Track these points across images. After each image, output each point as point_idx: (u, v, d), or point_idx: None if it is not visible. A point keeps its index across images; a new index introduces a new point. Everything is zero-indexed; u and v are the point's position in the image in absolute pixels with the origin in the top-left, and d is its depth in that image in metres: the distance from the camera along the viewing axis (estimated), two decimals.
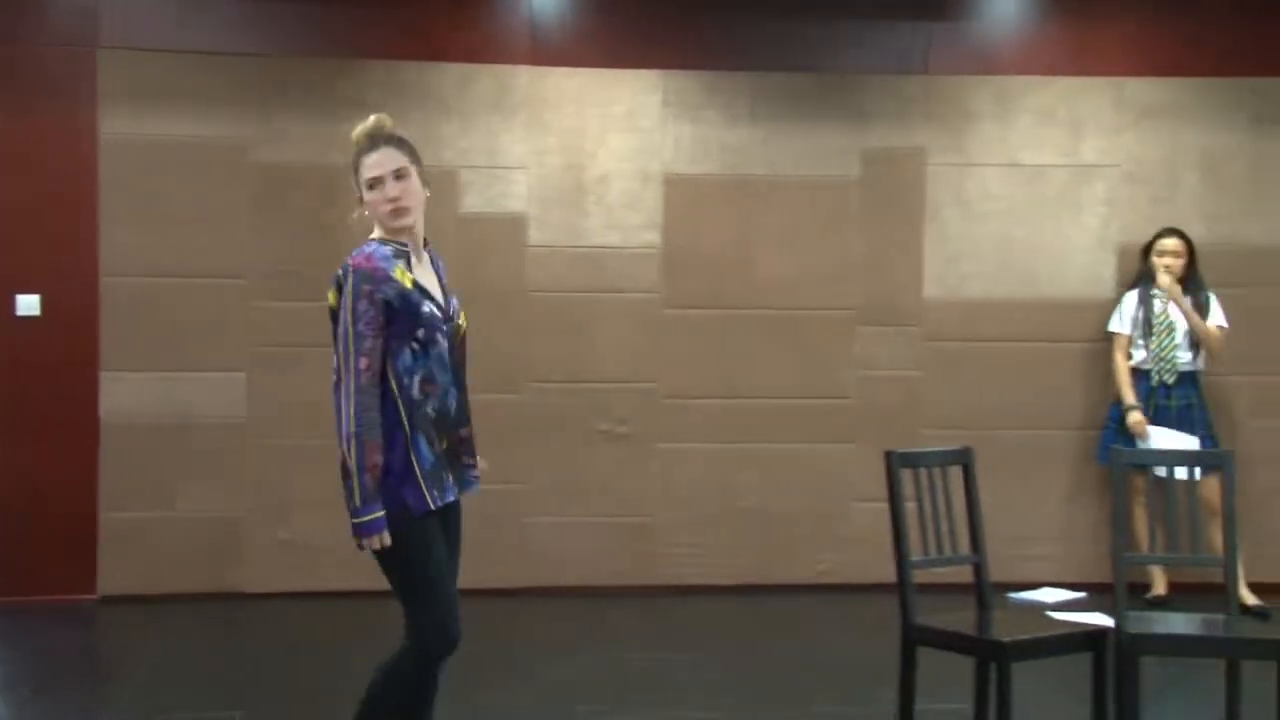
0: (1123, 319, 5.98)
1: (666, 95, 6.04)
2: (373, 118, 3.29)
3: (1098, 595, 5.84)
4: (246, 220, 5.88)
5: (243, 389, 5.89)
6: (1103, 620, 4.93)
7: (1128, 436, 5.84)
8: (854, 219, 6.14)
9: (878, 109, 6.13)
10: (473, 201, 6.02)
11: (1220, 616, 3.97)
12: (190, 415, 5.87)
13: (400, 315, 3.12)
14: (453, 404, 3.23)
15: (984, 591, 3.98)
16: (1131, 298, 5.96)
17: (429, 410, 3.16)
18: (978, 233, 6.18)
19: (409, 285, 3.15)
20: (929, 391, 6.15)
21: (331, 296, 3.18)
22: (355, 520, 3.08)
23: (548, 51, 6.03)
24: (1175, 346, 5.85)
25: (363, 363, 3.07)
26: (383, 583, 3.25)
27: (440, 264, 3.33)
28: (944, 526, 3.97)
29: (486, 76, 6.01)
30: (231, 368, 5.89)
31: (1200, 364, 5.91)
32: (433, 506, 3.15)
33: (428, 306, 3.17)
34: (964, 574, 4.11)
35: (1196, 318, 5.83)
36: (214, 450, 5.88)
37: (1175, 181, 6.19)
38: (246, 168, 5.87)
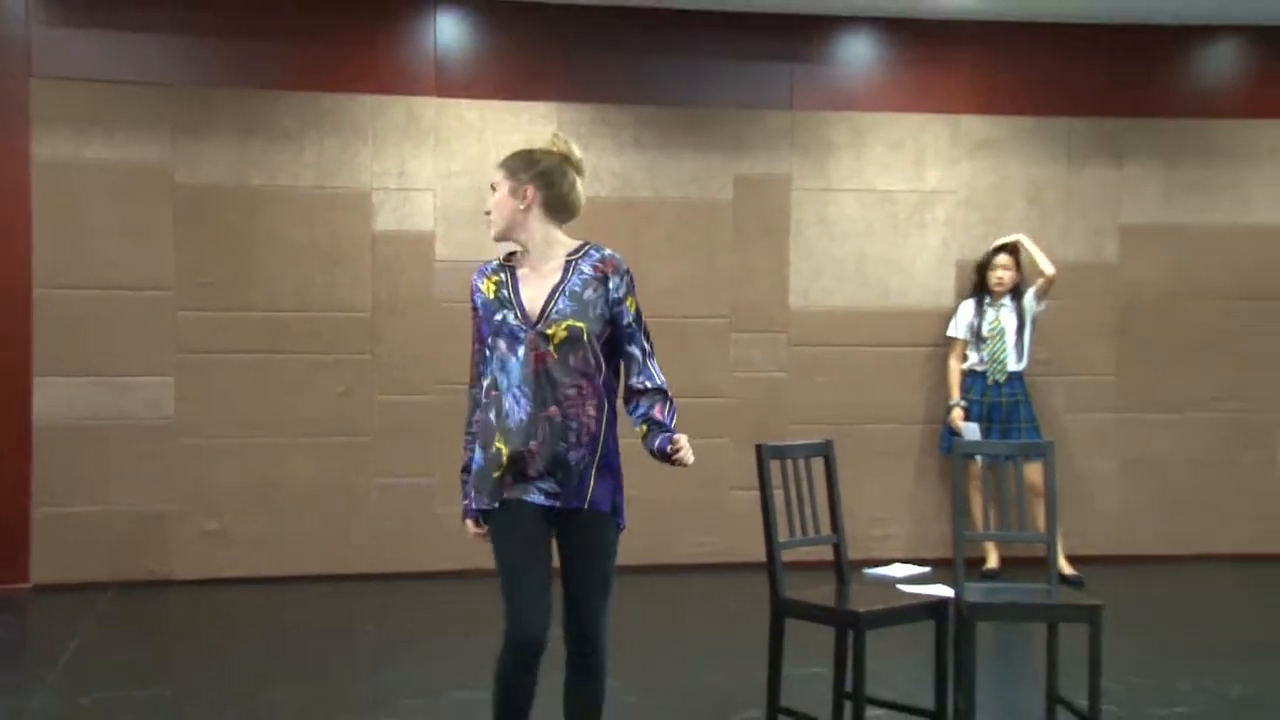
0: (958, 325, 6.24)
1: (560, 125, 6.08)
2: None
3: (940, 569, 6.06)
4: (171, 236, 5.86)
5: (170, 392, 5.89)
6: (944, 591, 4.84)
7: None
8: (728, 237, 6.26)
9: (749, 140, 6.28)
10: (386, 220, 6.07)
11: (1043, 586, 4.16)
12: (120, 417, 5.84)
13: (483, 322, 3.08)
14: (518, 413, 3.02)
15: (842, 568, 4.04)
16: (968, 307, 6.23)
17: (490, 416, 3.04)
18: (837, 250, 6.38)
19: (490, 295, 3.07)
20: (795, 391, 6.33)
21: None
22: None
23: (452, 84, 6.07)
24: (1005, 350, 6.13)
25: (470, 367, 3.14)
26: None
27: (584, 269, 3.09)
28: (808, 511, 4.02)
29: (397, 107, 6.05)
30: (159, 373, 5.88)
31: (1025, 365, 6.21)
32: (474, 507, 3.07)
33: (501, 314, 3.04)
34: (825, 553, 4.19)
35: (1041, 256, 6.05)
36: (143, 449, 5.85)
37: (1004, 206, 6.48)
38: (171, 188, 5.87)
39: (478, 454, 3.02)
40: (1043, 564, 4.30)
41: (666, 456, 3.07)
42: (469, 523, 3.07)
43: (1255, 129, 6.65)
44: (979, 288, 6.23)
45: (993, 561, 6.25)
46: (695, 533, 6.28)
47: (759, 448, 3.89)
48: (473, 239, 6.13)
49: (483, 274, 3.09)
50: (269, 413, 5.97)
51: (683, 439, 3.08)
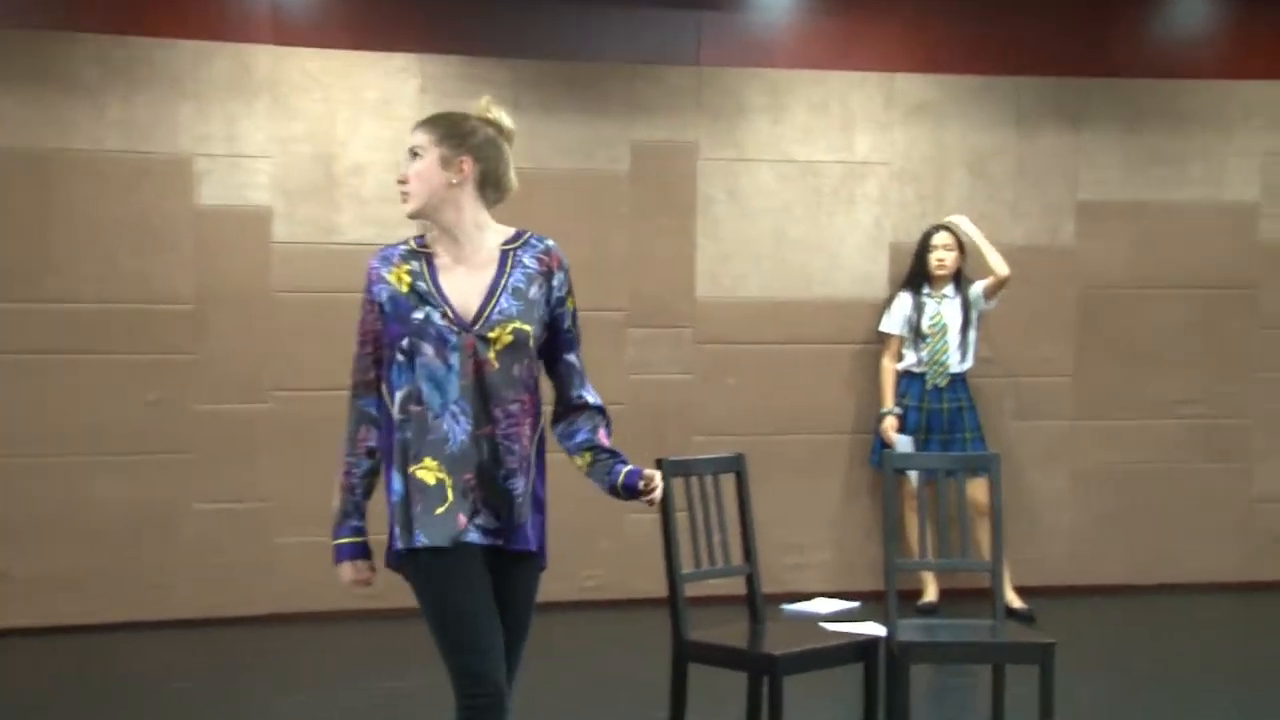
0: (893, 320, 6.19)
1: (424, 81, 5.99)
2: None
3: (870, 603, 6.01)
4: None
5: None
6: (875, 630, 5.07)
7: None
8: (623, 215, 6.20)
9: (647, 100, 6.21)
10: (211, 193, 5.84)
11: (988, 621, 4.17)
12: None
13: (390, 320, 2.93)
14: (458, 434, 2.91)
15: (756, 604, 4.07)
16: (904, 298, 6.18)
17: (410, 436, 2.91)
18: (751, 230, 6.33)
19: (402, 287, 2.94)
20: (702, 397, 6.27)
21: None
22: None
23: (291, 30, 5.90)
24: (947, 349, 6.09)
25: (354, 372, 2.99)
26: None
27: (526, 261, 3.03)
28: (716, 537, 4.04)
29: (224, 56, 5.84)
30: None
31: (969, 365, 6.18)
32: (399, 546, 2.91)
33: (423, 312, 2.92)
34: (737, 586, 4.19)
35: (990, 251, 6.01)
36: None
37: (944, 179, 6.46)
38: None
39: (395, 482, 2.91)
40: (987, 596, 4.30)
41: (634, 493, 3.04)
42: (347, 565, 2.99)
43: (1231, 91, 6.70)
44: (917, 275, 6.20)
45: (930, 594, 6.24)
46: (583, 564, 6.19)
47: (659, 463, 3.93)
48: (319, 217, 5.95)
49: (387, 261, 2.97)
50: (65, 426, 5.72)
51: (656, 474, 3.06)
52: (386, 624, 5.81)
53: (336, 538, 3.01)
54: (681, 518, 3.99)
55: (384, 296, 2.93)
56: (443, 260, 2.97)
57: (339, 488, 2.99)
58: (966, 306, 6.12)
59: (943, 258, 6.10)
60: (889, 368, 6.15)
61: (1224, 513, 6.68)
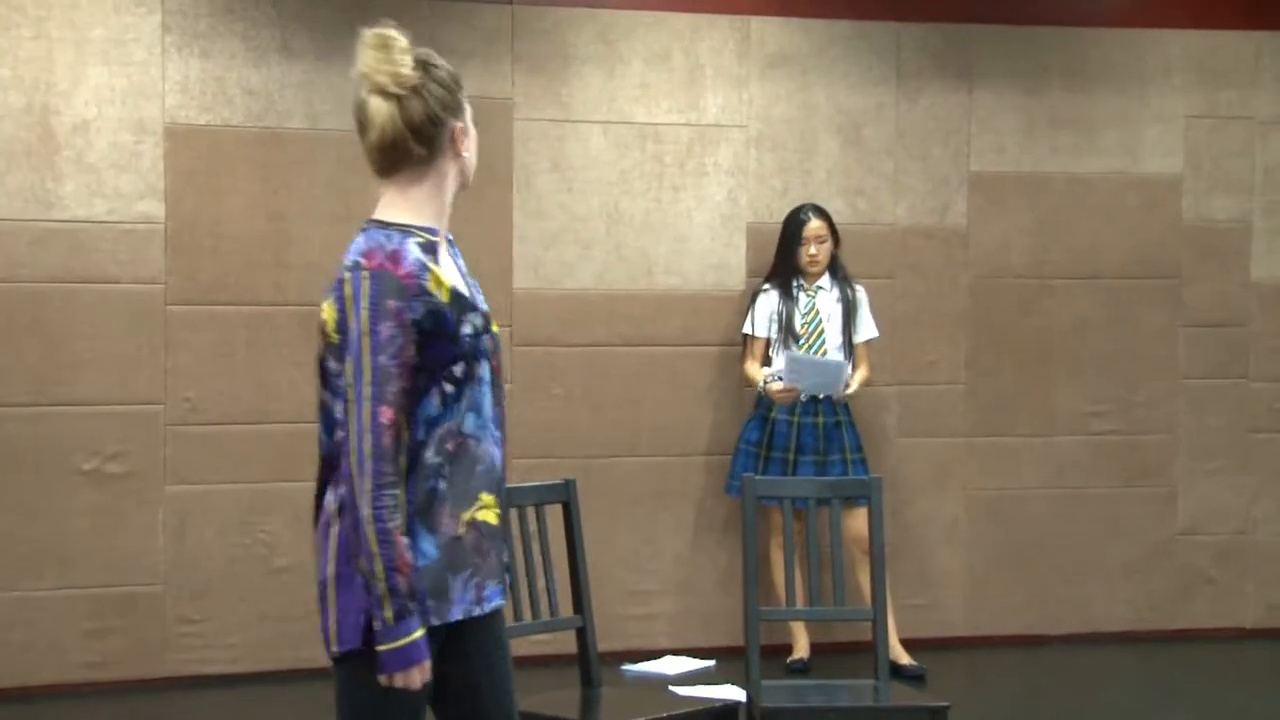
0: (757, 319, 6.24)
1: (166, 19, 5.91)
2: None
3: (729, 661, 6.06)
4: None
5: None
6: (733, 693, 5.17)
7: (765, 461, 6.11)
8: None
9: (450, 47, 6.05)
10: None
11: (869, 682, 4.24)
12: None
13: (431, 342, 2.76)
14: (498, 457, 2.89)
15: (590, 664, 4.12)
16: (770, 294, 6.24)
17: (445, 478, 2.80)
18: (580, 207, 6.35)
19: (445, 297, 2.79)
20: (521, 409, 6.23)
21: (328, 311, 2.81)
22: (389, 645, 2.72)
23: None
24: (826, 350, 6.17)
25: (385, 415, 2.71)
26: None
27: (456, 250, 2.99)
28: (540, 583, 4.09)
29: None
30: None
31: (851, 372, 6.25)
32: (434, 620, 2.79)
33: (470, 323, 2.82)
34: (567, 642, 4.21)
35: (862, 376, 6.18)
36: None
37: (812, 147, 6.54)
38: None
39: (424, 543, 2.77)
40: (869, 650, 4.35)
41: None
42: (424, 665, 2.75)
43: (1149, 42, 6.89)
44: (783, 267, 6.24)
45: (801, 649, 6.29)
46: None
47: None
48: (33, 186, 5.80)
49: (420, 264, 2.78)
50: None
51: None
52: (134, 698, 5.69)
53: (408, 632, 2.73)
54: None
55: (422, 313, 2.77)
56: (441, 252, 2.89)
57: (396, 567, 2.71)
58: (848, 299, 6.21)
59: (815, 252, 6.18)
60: (752, 371, 6.20)
61: (1143, 548, 6.85)
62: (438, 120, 2.81)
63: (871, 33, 6.59)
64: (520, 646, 3.94)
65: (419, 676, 2.75)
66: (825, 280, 6.23)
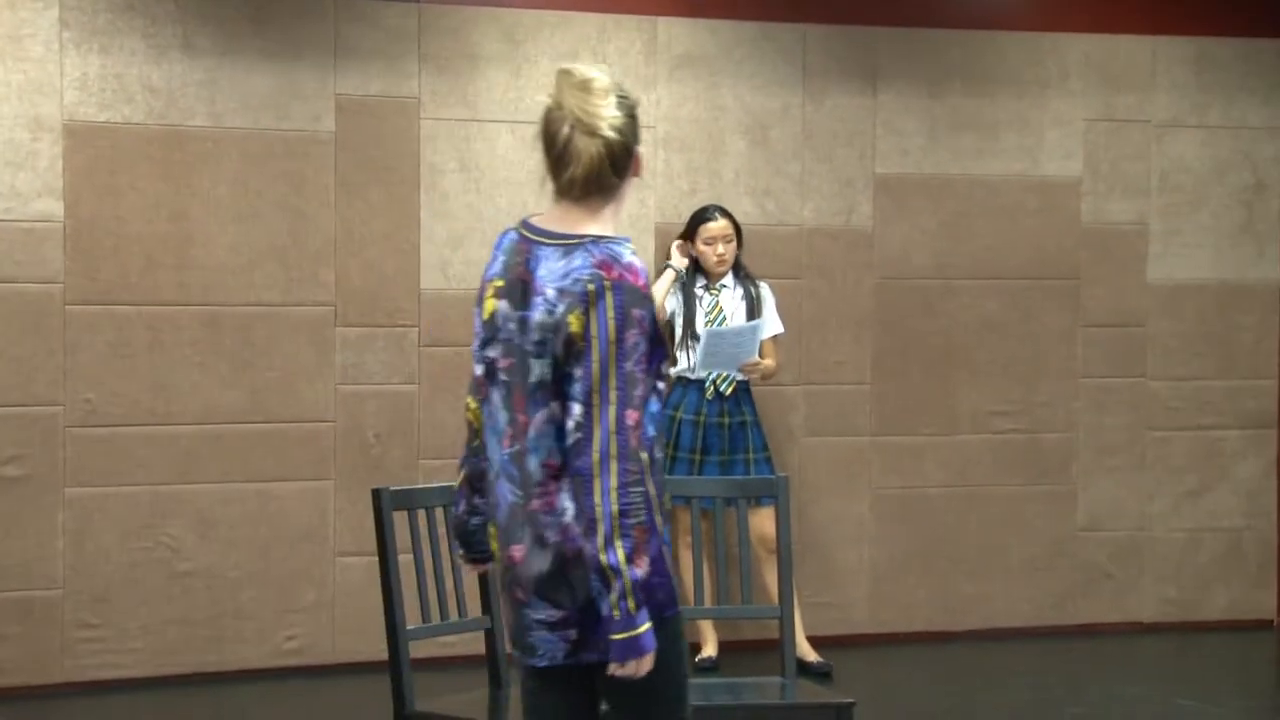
0: (657, 295, 6.17)
1: (64, 14, 5.80)
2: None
3: None
4: None
5: None
6: None
7: (671, 460, 6.07)
8: (328, 188, 6.13)
9: (356, 45, 6.13)
10: None
11: (776, 679, 4.23)
12: None
13: (653, 347, 2.99)
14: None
15: (498, 665, 4.07)
16: (674, 292, 6.20)
17: (656, 478, 3.01)
18: (488, 207, 6.30)
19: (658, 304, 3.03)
20: (430, 411, 6.22)
21: (575, 320, 2.92)
22: (625, 634, 2.89)
23: None
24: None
25: (631, 417, 2.90)
26: None
27: None
28: (449, 584, 4.03)
29: None
30: None
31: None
32: (669, 612, 3.00)
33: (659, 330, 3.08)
34: (476, 643, 4.18)
35: (766, 367, 6.15)
36: None
37: (718, 149, 6.54)
38: None
39: (664, 532, 3.03)
40: (777, 648, 4.36)
41: None
42: (649, 659, 2.96)
43: (1049, 46, 6.94)
44: (687, 266, 6.27)
45: (709, 648, 6.30)
46: (282, 621, 6.09)
47: (377, 494, 3.98)
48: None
49: (646, 273, 3.06)
50: None
51: None
52: (33, 705, 5.57)
53: (644, 622, 2.91)
54: (405, 561, 3.96)
55: (649, 320, 2.99)
56: None
57: (636, 561, 2.89)
58: (752, 297, 6.21)
59: (721, 252, 6.17)
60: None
61: (1044, 545, 6.90)
62: (631, 151, 3.04)
63: (778, 34, 6.60)
64: (427, 648, 3.95)
65: (649, 665, 2.91)
66: (728, 279, 6.23)
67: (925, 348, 6.77)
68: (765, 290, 6.26)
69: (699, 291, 6.20)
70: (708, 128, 6.53)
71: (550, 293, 2.94)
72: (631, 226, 6.43)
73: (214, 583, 5.97)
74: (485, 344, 3.04)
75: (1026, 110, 6.84)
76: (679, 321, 6.17)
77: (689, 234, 6.21)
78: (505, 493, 3.03)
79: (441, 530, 4.16)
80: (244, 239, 6.02)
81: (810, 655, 6.13)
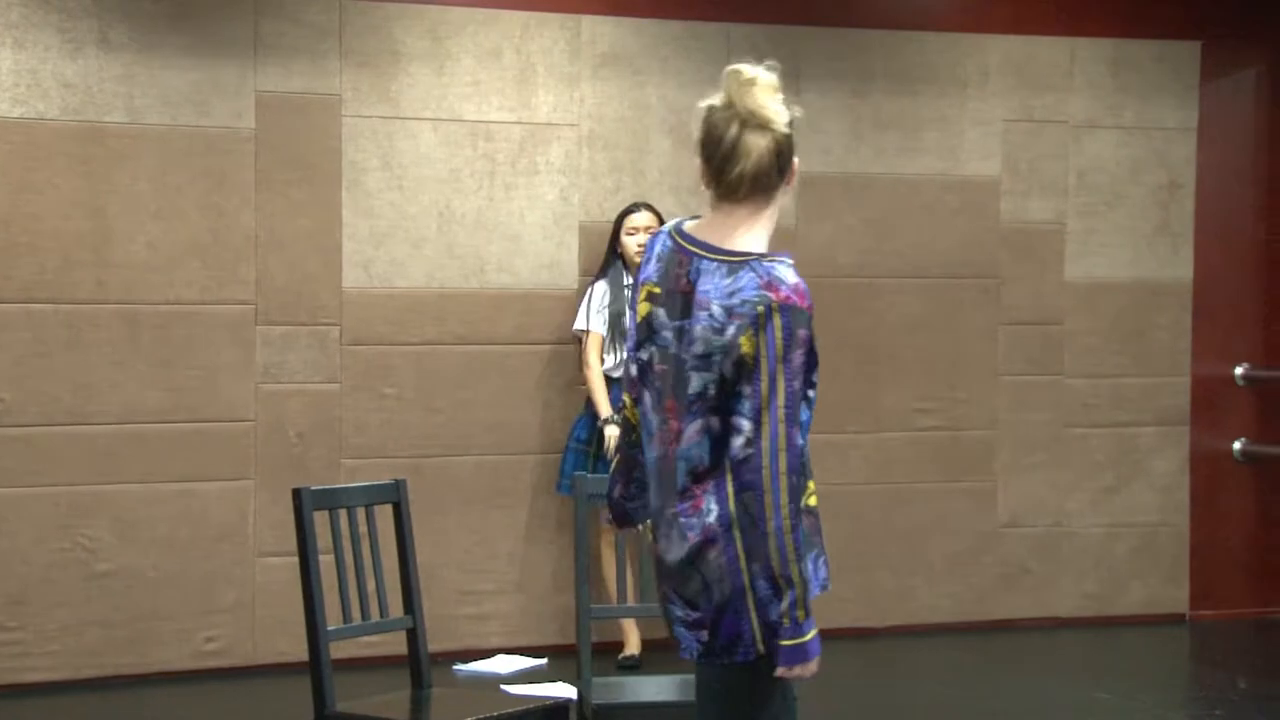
0: (590, 315, 6.21)
1: None
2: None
3: (562, 660, 6.07)
4: None
5: None
6: (564, 691, 5.27)
7: (595, 459, 6.09)
8: (249, 185, 6.08)
9: (276, 41, 6.08)
10: None
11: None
12: None
13: (811, 361, 3.08)
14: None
15: (421, 665, 4.10)
16: (601, 289, 6.22)
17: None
18: (411, 205, 6.27)
19: None
20: (351, 410, 6.19)
21: (746, 342, 2.95)
22: (794, 641, 3.00)
23: None
24: None
25: (796, 436, 2.98)
26: None
27: None
28: (370, 584, 4.04)
29: None
30: None
31: None
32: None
33: None
34: (397, 643, 4.18)
35: None
36: None
37: (642, 146, 6.53)
38: None
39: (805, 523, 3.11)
40: None
41: None
42: (814, 663, 3.06)
43: (968, 46, 6.98)
44: (613, 262, 6.27)
45: (633, 646, 6.28)
46: (202, 622, 6.04)
47: (297, 494, 3.98)
48: None
49: None
50: None
51: None
52: None
53: (811, 628, 3.00)
54: (326, 561, 3.95)
55: (811, 337, 3.07)
56: None
57: (803, 564, 2.99)
58: None
59: (643, 242, 6.14)
60: (597, 368, 6.17)
61: (966, 541, 6.92)
62: (791, 154, 3.07)
63: (702, 33, 6.59)
64: (349, 649, 3.94)
65: (814, 668, 3.02)
66: None
67: (850, 346, 6.78)
68: None
69: (627, 291, 6.17)
70: (632, 126, 6.52)
71: (716, 310, 2.98)
72: (556, 224, 6.43)
73: (133, 584, 5.90)
74: (639, 345, 3.09)
75: (947, 110, 6.86)
76: (606, 316, 6.15)
77: (615, 228, 6.21)
78: (654, 493, 3.10)
79: (363, 529, 4.15)
80: (163, 237, 5.95)
81: None
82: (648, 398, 3.08)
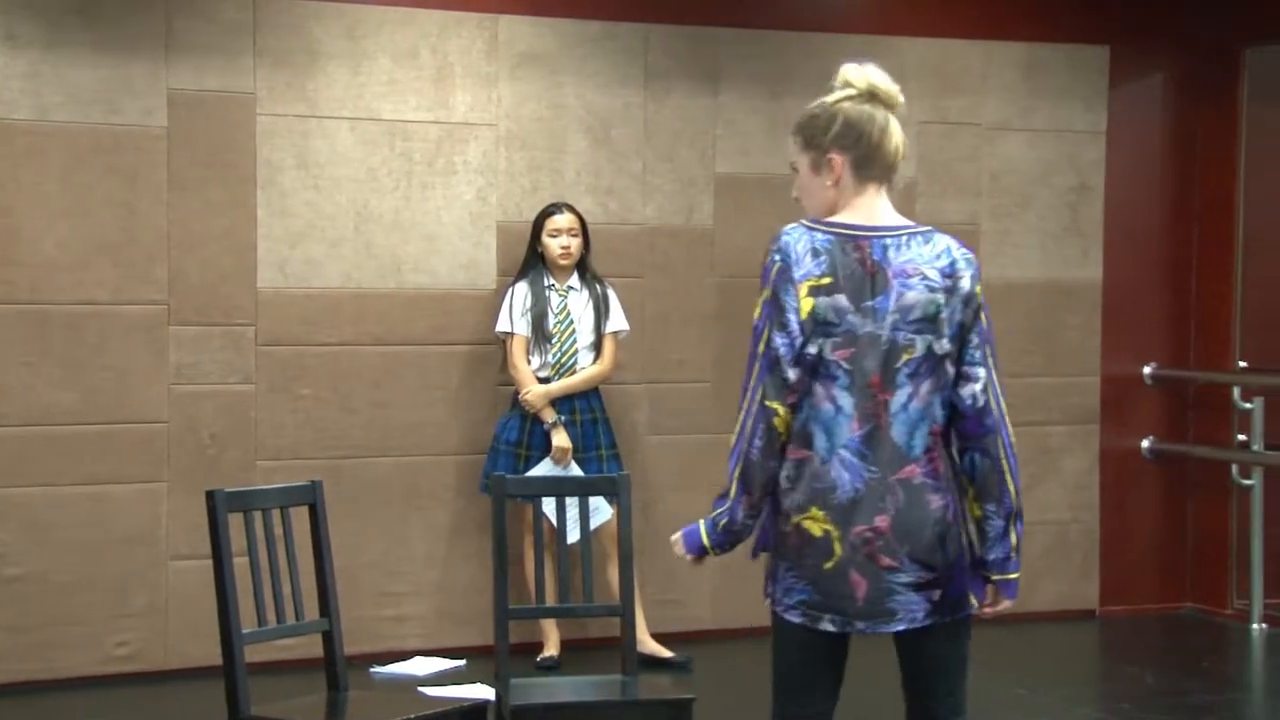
0: (512, 317, 6.15)
1: None
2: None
3: (481, 661, 6.03)
4: None
5: None
6: (483, 692, 5.25)
7: (526, 460, 6.05)
8: (160, 184, 5.99)
9: (189, 38, 6.00)
10: None
11: (618, 677, 4.27)
12: None
13: None
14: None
15: (337, 668, 4.09)
16: (521, 291, 6.16)
17: None
18: (327, 205, 6.21)
19: None
20: (266, 411, 6.13)
21: (979, 290, 3.24)
22: (1016, 575, 3.29)
23: None
24: (577, 349, 6.12)
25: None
26: None
27: None
28: (286, 587, 4.04)
29: None
30: None
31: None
32: None
33: None
34: (314, 646, 4.16)
35: (590, 375, 6.10)
36: None
37: (560, 146, 6.50)
38: None
39: None
40: (621, 646, 4.41)
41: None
42: None
43: (884, 49, 6.96)
44: (533, 263, 6.23)
45: (552, 647, 6.25)
46: (113, 626, 5.97)
47: (211, 496, 3.96)
48: None
49: None
50: None
51: None
52: None
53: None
54: (240, 564, 3.92)
55: None
56: None
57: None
58: (599, 297, 6.18)
59: (566, 244, 6.12)
60: (526, 369, 6.09)
61: None
62: None
63: (620, 33, 6.56)
64: (264, 652, 3.93)
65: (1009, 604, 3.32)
66: (575, 280, 6.18)
67: None
68: (612, 292, 6.24)
69: (548, 292, 6.13)
70: (550, 126, 6.47)
71: (931, 272, 3.16)
72: (473, 224, 6.38)
73: (43, 588, 5.80)
74: (804, 343, 3.13)
75: None
76: (530, 319, 6.10)
77: (535, 229, 6.17)
78: (855, 473, 3.13)
79: (279, 531, 4.11)
80: (73, 236, 5.85)
81: (663, 652, 6.14)
82: (828, 388, 3.14)
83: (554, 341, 6.09)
